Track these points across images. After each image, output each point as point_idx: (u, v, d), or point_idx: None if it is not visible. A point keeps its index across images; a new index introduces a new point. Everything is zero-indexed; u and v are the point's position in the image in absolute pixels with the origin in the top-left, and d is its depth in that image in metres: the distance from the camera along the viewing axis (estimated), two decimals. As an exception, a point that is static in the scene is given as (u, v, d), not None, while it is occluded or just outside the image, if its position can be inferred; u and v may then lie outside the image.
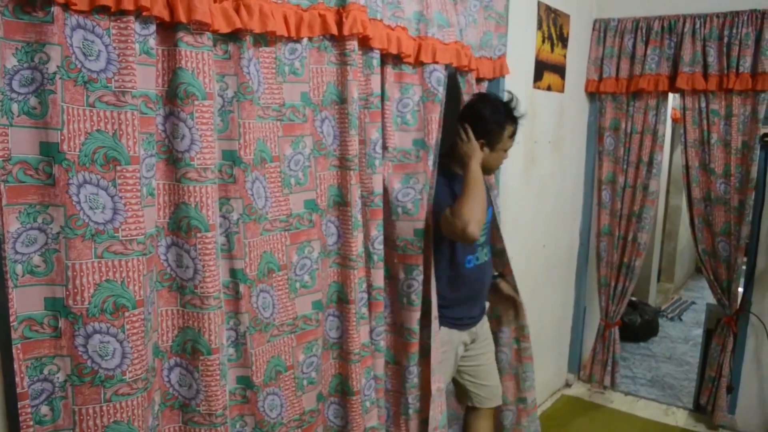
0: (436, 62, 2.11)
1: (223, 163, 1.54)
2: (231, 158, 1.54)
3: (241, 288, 1.60)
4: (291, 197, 1.73)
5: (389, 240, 2.12)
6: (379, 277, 2.03)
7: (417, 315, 2.16)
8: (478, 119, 2.12)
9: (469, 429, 2.48)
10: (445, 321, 2.22)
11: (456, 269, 2.18)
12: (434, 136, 2.16)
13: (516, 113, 2.17)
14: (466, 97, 2.34)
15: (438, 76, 2.13)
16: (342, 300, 1.92)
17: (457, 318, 2.25)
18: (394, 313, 2.19)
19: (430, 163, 2.17)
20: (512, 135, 2.19)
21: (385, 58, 1.97)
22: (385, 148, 2.04)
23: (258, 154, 1.60)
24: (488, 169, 2.21)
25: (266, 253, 1.66)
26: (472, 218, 1.93)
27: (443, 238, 2.11)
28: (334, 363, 1.97)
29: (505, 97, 2.19)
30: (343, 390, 1.97)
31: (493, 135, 2.13)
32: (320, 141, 1.80)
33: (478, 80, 2.48)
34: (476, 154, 2.08)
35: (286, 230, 1.72)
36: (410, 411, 2.23)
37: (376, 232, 2.00)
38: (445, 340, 2.23)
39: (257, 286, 1.64)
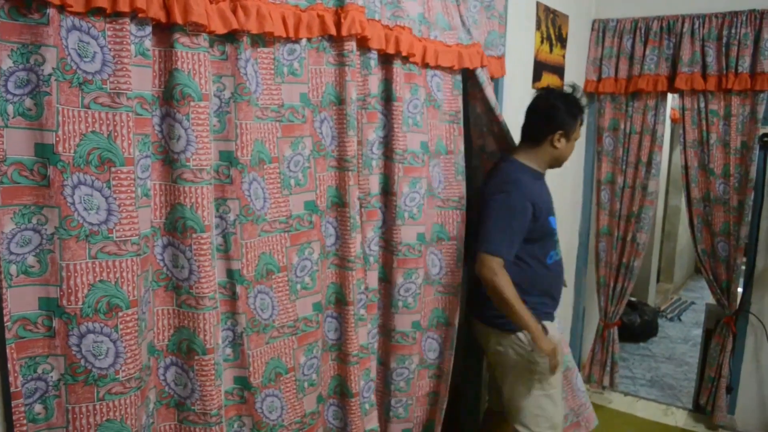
0: (438, 66, 2.12)
1: (219, 164, 1.54)
2: (228, 159, 1.54)
3: (238, 289, 1.60)
4: (291, 198, 1.72)
5: (389, 244, 2.11)
6: (373, 279, 2.03)
7: (413, 318, 2.16)
8: (554, 112, 2.18)
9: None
10: (544, 315, 2.24)
11: (540, 264, 2.21)
12: (435, 142, 2.17)
13: (582, 102, 2.24)
14: (486, 93, 2.33)
15: (438, 82, 2.14)
16: (340, 301, 1.92)
17: (548, 312, 2.28)
18: (384, 317, 2.18)
19: (431, 168, 2.19)
20: (582, 124, 2.26)
21: (393, 58, 1.97)
22: (393, 150, 2.04)
23: (256, 155, 1.60)
24: (563, 160, 2.30)
25: (264, 254, 1.66)
26: (493, 282, 2.03)
27: (532, 238, 2.15)
28: (333, 365, 1.97)
29: (567, 89, 2.25)
30: (342, 392, 1.97)
31: (570, 126, 2.20)
32: (319, 142, 1.80)
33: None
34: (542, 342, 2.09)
35: (286, 231, 1.72)
36: (391, 414, 2.22)
37: (373, 234, 2.00)
38: (557, 339, 2.23)
39: (255, 287, 1.64)
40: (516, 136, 2.51)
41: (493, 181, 2.21)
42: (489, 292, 2.09)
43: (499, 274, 2.03)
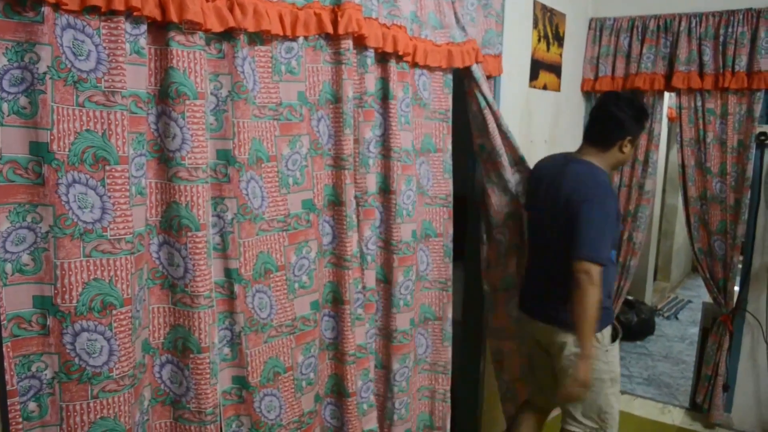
0: (427, 65, 2.12)
1: (217, 163, 1.54)
2: (225, 158, 1.54)
3: (236, 288, 1.59)
4: (289, 197, 1.72)
5: (390, 243, 2.11)
6: (371, 278, 2.03)
7: (410, 315, 2.16)
8: (625, 119, 2.23)
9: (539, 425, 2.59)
10: (609, 317, 2.29)
11: (610, 263, 2.24)
12: (421, 140, 2.17)
13: (648, 110, 2.30)
14: (483, 89, 2.33)
15: (424, 81, 2.14)
16: (337, 300, 1.92)
17: (611, 313, 2.33)
18: (385, 317, 2.17)
19: (418, 166, 2.20)
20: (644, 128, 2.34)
21: (388, 56, 1.96)
22: (390, 148, 2.04)
23: (254, 154, 1.59)
24: (624, 164, 2.40)
25: (262, 253, 1.66)
26: (590, 291, 2.05)
27: None
28: (330, 363, 1.96)
29: (627, 95, 2.31)
30: (339, 391, 1.97)
31: (637, 133, 2.29)
32: (317, 140, 1.80)
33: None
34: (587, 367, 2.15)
35: (284, 230, 1.71)
36: (395, 417, 2.21)
37: (370, 233, 1.99)
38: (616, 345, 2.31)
39: (253, 286, 1.64)
40: (516, 135, 2.52)
41: (574, 185, 2.21)
42: (577, 296, 2.08)
43: (597, 284, 2.06)
